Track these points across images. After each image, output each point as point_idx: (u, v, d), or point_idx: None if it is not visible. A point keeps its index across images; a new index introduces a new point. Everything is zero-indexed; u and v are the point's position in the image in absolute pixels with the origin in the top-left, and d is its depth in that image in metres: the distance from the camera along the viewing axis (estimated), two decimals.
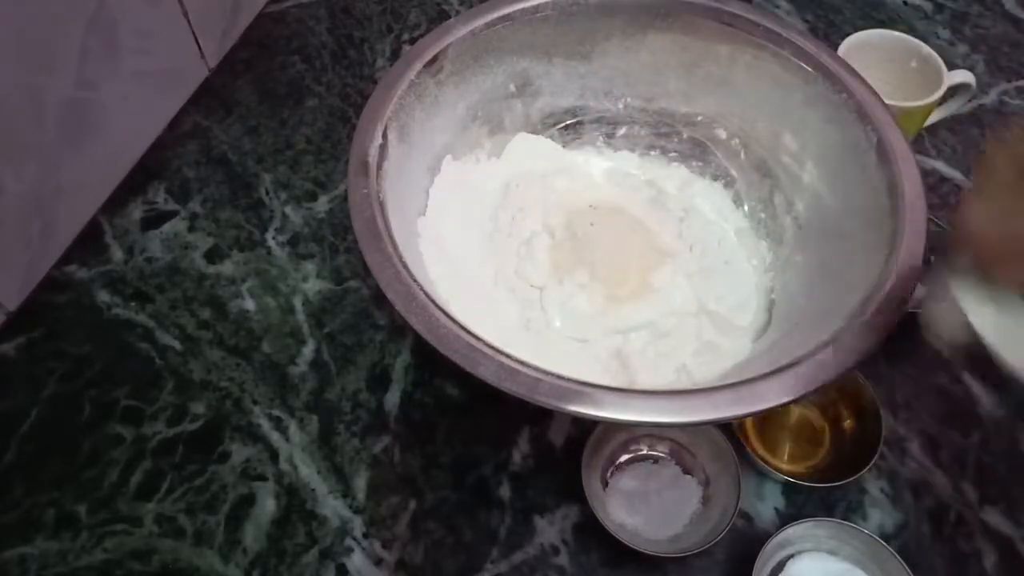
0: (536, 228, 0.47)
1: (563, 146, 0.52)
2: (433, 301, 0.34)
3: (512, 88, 0.49)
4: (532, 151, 0.51)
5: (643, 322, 0.44)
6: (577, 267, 0.45)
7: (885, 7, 0.71)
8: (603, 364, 0.42)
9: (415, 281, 0.34)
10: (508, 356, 0.32)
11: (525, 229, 0.47)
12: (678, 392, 0.33)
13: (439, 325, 0.33)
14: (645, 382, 0.41)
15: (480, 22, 0.45)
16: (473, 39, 0.45)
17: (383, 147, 0.40)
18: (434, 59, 0.44)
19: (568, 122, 0.52)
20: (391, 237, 0.36)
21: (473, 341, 0.33)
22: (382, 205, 0.37)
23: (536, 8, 0.46)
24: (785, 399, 0.32)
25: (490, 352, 0.32)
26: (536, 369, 0.32)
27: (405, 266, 0.35)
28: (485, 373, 0.32)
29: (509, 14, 0.46)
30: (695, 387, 0.34)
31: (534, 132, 0.51)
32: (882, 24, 0.67)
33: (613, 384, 0.32)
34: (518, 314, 0.44)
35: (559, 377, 0.32)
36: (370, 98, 0.41)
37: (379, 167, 0.39)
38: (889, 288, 0.35)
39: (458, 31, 0.45)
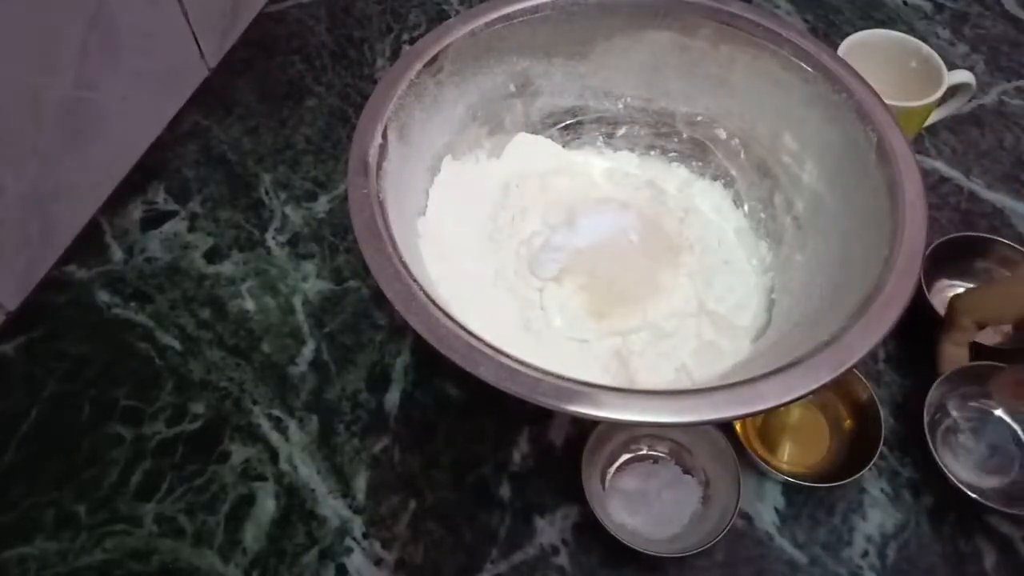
0: (536, 228, 0.47)
1: (563, 146, 0.52)
2: (433, 301, 0.34)
3: (512, 88, 0.49)
4: (532, 151, 0.51)
5: (643, 323, 0.44)
6: (577, 267, 0.45)
7: (885, 7, 0.71)
8: (603, 364, 0.42)
9: (415, 281, 0.34)
10: (508, 356, 0.32)
11: (525, 229, 0.47)
12: (678, 392, 0.33)
13: (439, 325, 0.33)
14: (645, 382, 0.41)
15: (480, 22, 0.45)
16: (473, 39, 0.45)
17: (383, 147, 0.40)
18: (434, 59, 0.43)
19: (568, 122, 0.52)
20: (391, 237, 0.36)
21: (473, 341, 0.32)
22: (382, 205, 0.37)
23: (536, 8, 0.46)
24: (785, 399, 0.32)
25: (490, 352, 0.32)
26: (536, 369, 0.32)
27: (405, 266, 0.35)
28: (485, 373, 0.32)
29: (509, 14, 0.46)
30: (695, 387, 0.34)
31: (534, 132, 0.51)
32: (882, 24, 0.67)
33: (613, 384, 0.32)
34: (518, 314, 0.44)
35: (559, 377, 0.32)
36: (370, 98, 0.41)
37: (379, 167, 0.39)
38: (888, 288, 0.35)
39: (458, 31, 0.45)
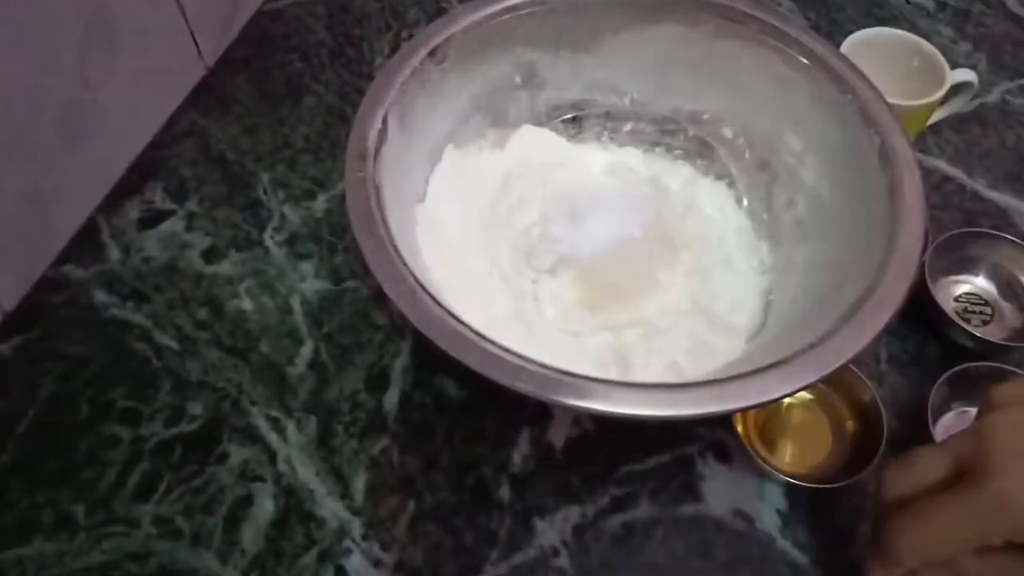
0: (535, 219, 0.47)
1: (567, 140, 0.52)
2: (421, 285, 0.34)
3: (518, 79, 0.49)
4: (536, 144, 0.51)
5: (637, 319, 0.44)
6: (573, 260, 0.45)
7: (887, 5, 0.70)
8: (594, 358, 0.42)
9: (405, 264, 0.34)
10: (493, 343, 0.32)
11: (523, 220, 0.47)
12: (662, 385, 0.33)
13: (426, 309, 0.33)
14: (636, 378, 0.41)
15: (486, 12, 0.45)
16: (479, 29, 0.45)
17: (382, 132, 0.40)
18: (438, 47, 0.43)
19: (573, 116, 0.52)
20: (384, 221, 0.36)
21: (459, 327, 0.32)
22: (378, 188, 0.37)
23: (543, 0, 0.46)
24: (768, 397, 0.32)
25: (474, 338, 0.32)
26: (520, 357, 0.32)
27: (396, 249, 0.35)
28: (469, 359, 0.31)
29: (515, 5, 0.45)
30: (679, 382, 0.34)
31: (539, 124, 0.51)
32: (884, 22, 0.67)
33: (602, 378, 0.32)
34: (511, 304, 0.44)
35: (542, 366, 0.32)
36: (372, 84, 0.41)
37: (377, 151, 0.39)
38: (881, 291, 0.35)
39: (464, 20, 0.44)
